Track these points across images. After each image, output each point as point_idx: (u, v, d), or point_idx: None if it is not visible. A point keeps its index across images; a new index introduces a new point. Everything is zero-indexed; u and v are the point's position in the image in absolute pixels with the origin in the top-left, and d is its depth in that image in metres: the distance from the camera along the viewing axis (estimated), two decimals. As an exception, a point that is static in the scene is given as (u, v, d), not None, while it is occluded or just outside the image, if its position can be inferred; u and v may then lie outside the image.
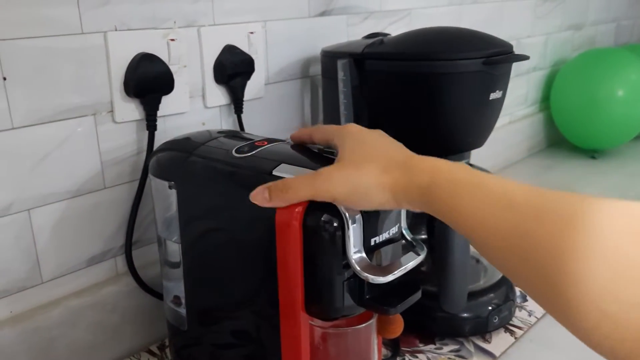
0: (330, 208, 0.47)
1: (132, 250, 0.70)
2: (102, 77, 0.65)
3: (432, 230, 0.66)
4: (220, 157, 0.56)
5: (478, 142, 0.72)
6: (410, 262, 0.52)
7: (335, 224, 0.47)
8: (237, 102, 0.79)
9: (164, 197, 0.60)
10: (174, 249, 0.61)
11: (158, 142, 0.65)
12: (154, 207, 0.64)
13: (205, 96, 0.76)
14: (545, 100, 1.55)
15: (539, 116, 1.53)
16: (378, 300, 0.51)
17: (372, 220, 0.49)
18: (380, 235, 0.51)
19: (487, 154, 0.95)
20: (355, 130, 0.51)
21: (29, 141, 0.61)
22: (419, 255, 0.53)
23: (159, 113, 0.69)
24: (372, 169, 0.46)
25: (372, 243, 0.50)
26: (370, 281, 0.48)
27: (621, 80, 1.36)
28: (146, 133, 0.69)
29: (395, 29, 1.02)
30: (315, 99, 0.92)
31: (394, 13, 1.02)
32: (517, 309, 0.79)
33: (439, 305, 0.68)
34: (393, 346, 0.70)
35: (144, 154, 0.70)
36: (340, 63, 0.72)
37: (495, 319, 0.73)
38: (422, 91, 0.67)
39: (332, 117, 0.78)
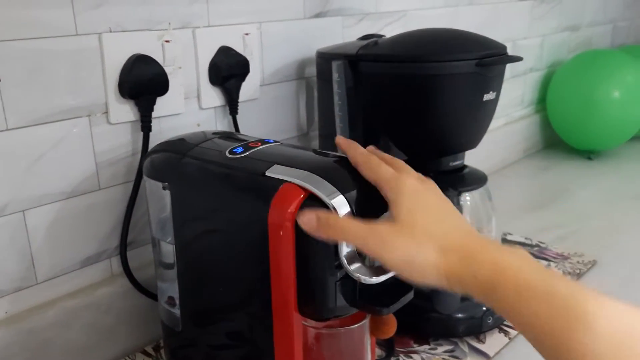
0: (322, 209, 0.47)
1: (126, 251, 0.70)
2: (96, 78, 0.65)
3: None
4: (214, 158, 0.56)
5: (472, 143, 0.72)
6: (403, 262, 0.52)
7: (327, 225, 0.47)
8: (232, 104, 0.79)
9: (158, 198, 0.60)
10: (168, 250, 0.61)
11: (154, 143, 0.65)
12: (148, 209, 0.64)
13: (200, 97, 0.76)
14: (542, 102, 1.55)
15: (535, 117, 1.53)
16: (371, 300, 0.51)
17: (364, 221, 0.49)
18: (373, 236, 0.51)
19: (483, 155, 0.95)
20: (413, 188, 0.48)
21: (24, 142, 0.61)
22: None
23: (154, 114, 0.69)
24: (431, 248, 0.44)
25: (365, 243, 0.50)
26: (363, 281, 0.48)
27: (617, 81, 1.36)
28: (141, 134, 0.69)
29: (390, 31, 1.02)
30: (310, 100, 0.92)
31: (390, 14, 1.03)
32: (511, 310, 0.79)
33: (433, 305, 0.68)
34: (387, 346, 0.70)
35: (139, 155, 0.70)
36: (334, 64, 0.72)
37: (489, 319, 0.73)
38: (416, 93, 0.67)
39: (327, 119, 0.78)
